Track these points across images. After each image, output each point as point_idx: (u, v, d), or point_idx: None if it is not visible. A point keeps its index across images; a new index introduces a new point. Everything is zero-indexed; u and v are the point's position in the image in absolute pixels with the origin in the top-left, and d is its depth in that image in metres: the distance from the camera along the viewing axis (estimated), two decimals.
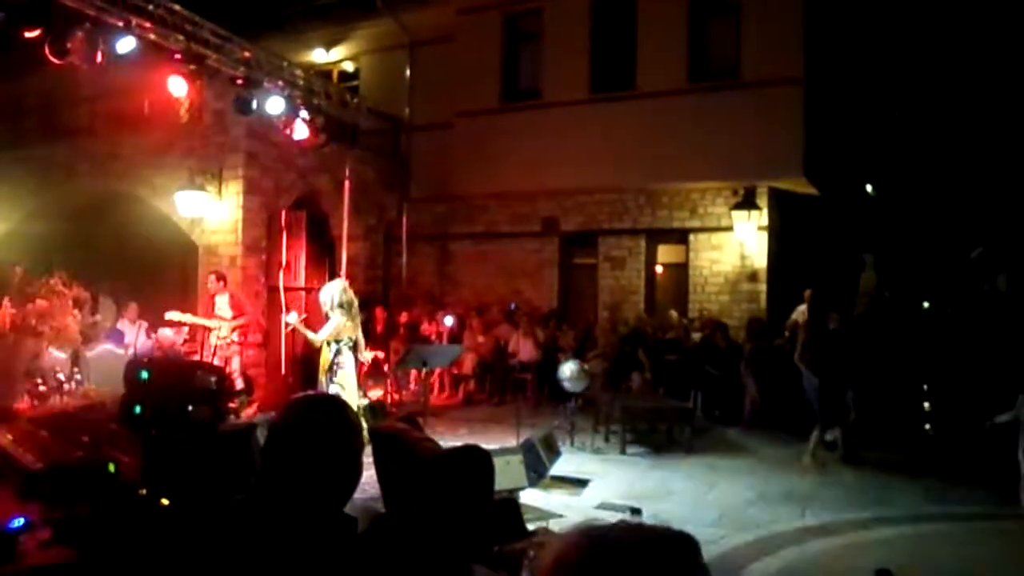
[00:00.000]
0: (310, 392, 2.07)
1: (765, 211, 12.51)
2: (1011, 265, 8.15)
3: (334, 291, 7.43)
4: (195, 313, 10.14)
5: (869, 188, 16.45)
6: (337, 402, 2.14)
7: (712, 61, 12.74)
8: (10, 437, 4.41)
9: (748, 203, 12.43)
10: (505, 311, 13.40)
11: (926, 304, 11.74)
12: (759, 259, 12.68)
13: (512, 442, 7.40)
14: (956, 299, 8.49)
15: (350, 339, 7.38)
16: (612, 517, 5.43)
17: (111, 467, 3.63)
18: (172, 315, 9.46)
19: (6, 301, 8.41)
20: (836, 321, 8.61)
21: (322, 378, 7.38)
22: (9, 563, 3.12)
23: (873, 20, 14.38)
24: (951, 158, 15.46)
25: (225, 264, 11.17)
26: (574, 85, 13.40)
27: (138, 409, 3.48)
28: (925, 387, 8.79)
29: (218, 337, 9.59)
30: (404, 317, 13.03)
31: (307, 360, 12.01)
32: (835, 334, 8.43)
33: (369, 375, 11.47)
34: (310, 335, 7.45)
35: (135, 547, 3.29)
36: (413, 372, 11.53)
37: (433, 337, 12.53)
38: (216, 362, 8.91)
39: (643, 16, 13.02)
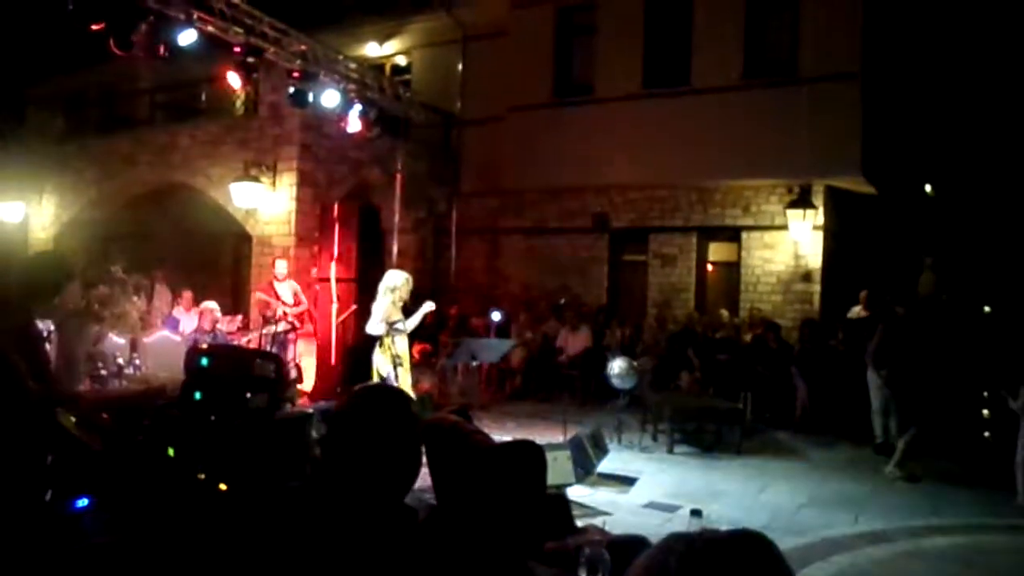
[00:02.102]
0: (373, 383, 2.08)
1: (821, 210, 12.28)
2: None
3: (396, 281, 7.54)
4: (249, 300, 10.44)
5: (928, 188, 16.03)
6: (400, 394, 2.15)
7: (768, 57, 12.52)
8: (73, 419, 4.52)
9: (803, 201, 12.21)
10: (553, 306, 13.37)
11: (987, 308, 11.41)
12: (814, 259, 12.45)
13: (559, 438, 7.38)
14: (1018, 303, 8.21)
15: (403, 321, 7.46)
16: (661, 516, 5.38)
17: (170, 451, 3.70)
18: (259, 295, 10.03)
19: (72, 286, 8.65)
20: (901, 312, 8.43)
21: (388, 368, 7.43)
22: (73, 541, 3.20)
23: (934, 13, 14.00)
24: (1013, 158, 14.99)
25: (278, 255, 11.35)
26: (627, 80, 13.29)
27: (198, 395, 3.55)
28: (985, 393, 8.53)
29: (286, 322, 9.87)
30: (454, 310, 13.08)
31: (357, 350, 12.15)
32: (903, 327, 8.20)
33: (417, 367, 11.56)
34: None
35: (193, 529, 3.35)
36: (461, 366, 11.57)
37: (481, 331, 12.56)
38: (271, 351, 9.10)
39: (699, 11, 12.85)
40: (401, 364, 7.32)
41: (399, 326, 7.35)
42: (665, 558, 0.98)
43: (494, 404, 11.08)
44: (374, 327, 7.40)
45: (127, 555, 3.34)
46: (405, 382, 7.27)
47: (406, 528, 1.94)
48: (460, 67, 15.31)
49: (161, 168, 13.39)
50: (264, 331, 9.68)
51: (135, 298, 10.00)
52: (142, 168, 13.72)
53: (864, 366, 8.65)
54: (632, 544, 3.21)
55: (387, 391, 2.22)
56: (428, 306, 7.74)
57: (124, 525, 3.48)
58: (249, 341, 9.52)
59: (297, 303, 10.24)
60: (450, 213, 14.90)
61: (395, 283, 7.46)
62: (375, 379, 7.28)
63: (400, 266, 12.29)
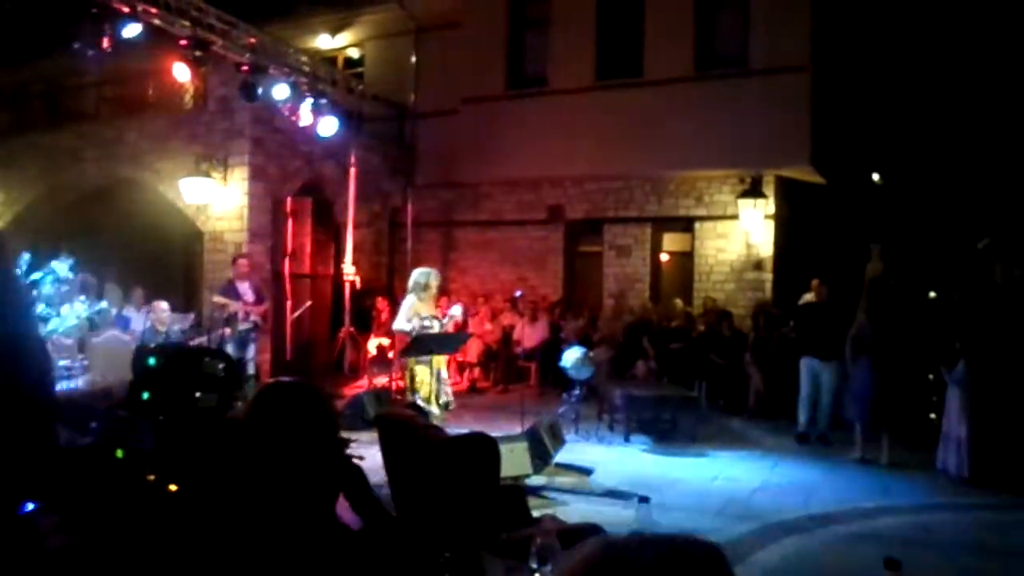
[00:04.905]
0: (281, 379, 2.10)
1: (771, 200, 12.48)
2: (1018, 256, 8.12)
3: (418, 276, 7.53)
4: (202, 297, 10.24)
5: (876, 177, 16.36)
6: (303, 387, 2.14)
7: (719, 49, 12.67)
8: None
9: (754, 191, 12.39)
10: (509, 299, 13.40)
11: (932, 294, 11.70)
12: (765, 248, 12.66)
13: (517, 429, 7.40)
14: (962, 289, 8.45)
15: (431, 318, 7.44)
16: (616, 505, 5.43)
17: (119, 453, 3.65)
18: (217, 298, 9.76)
19: None
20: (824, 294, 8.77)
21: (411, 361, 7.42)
22: (22, 545, 3.14)
23: (881, 7, 14.28)
24: (959, 148, 15.37)
25: (231, 251, 11.19)
26: (580, 72, 13.34)
27: (146, 395, 3.50)
28: (931, 377, 8.75)
29: (248, 321, 9.71)
30: None
31: (311, 347, 12.05)
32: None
33: (374, 363, 11.52)
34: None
35: (142, 532, 3.31)
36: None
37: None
38: (231, 348, 8.96)
39: (650, 3, 12.95)
40: (426, 363, 7.26)
41: (427, 323, 7.31)
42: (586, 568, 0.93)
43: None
44: (398, 324, 7.39)
45: (76, 558, 3.28)
46: (425, 380, 7.21)
47: (325, 515, 1.96)
48: (413, 59, 15.21)
49: (109, 164, 13.11)
50: (222, 330, 9.49)
51: (82, 297, 9.77)
52: (89, 164, 13.42)
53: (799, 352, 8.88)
54: (585, 532, 3.25)
55: (290, 386, 2.21)
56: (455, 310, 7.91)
57: (73, 528, 3.42)
58: (201, 343, 9.35)
59: (260, 302, 10.07)
60: (405, 206, 14.81)
61: (422, 280, 7.42)
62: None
63: (355, 260, 12.26)
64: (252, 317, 9.83)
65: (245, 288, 9.94)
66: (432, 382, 7.25)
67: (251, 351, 9.88)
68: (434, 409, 7.22)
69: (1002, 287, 7.75)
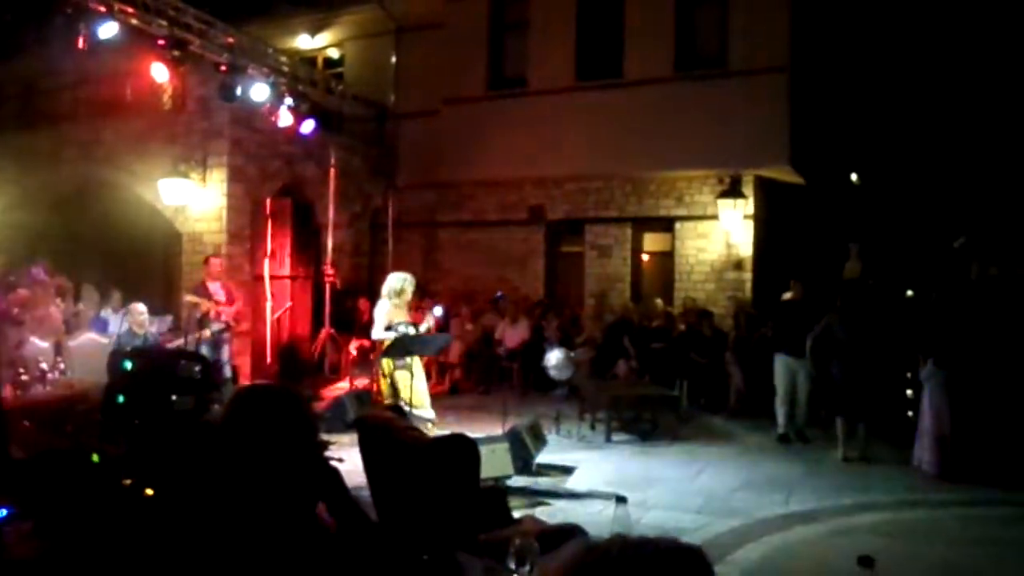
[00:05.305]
0: (258, 383, 2.10)
1: (751, 200, 12.54)
2: (994, 254, 8.23)
3: (393, 281, 7.52)
4: (180, 299, 10.15)
5: (854, 177, 16.50)
6: (278, 393, 2.12)
7: (699, 49, 12.72)
8: None
9: (734, 192, 12.45)
10: (491, 299, 13.39)
11: (910, 292, 11.80)
12: (745, 248, 12.73)
13: (498, 430, 7.40)
14: (939, 287, 8.56)
15: (407, 324, 7.44)
16: (597, 505, 5.43)
17: (95, 457, 3.60)
18: (190, 298, 9.62)
19: None
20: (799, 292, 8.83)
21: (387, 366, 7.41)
22: None
23: (859, 8, 14.40)
24: (936, 148, 15.53)
25: (209, 252, 11.11)
26: (561, 73, 13.36)
27: (121, 399, 3.46)
28: (908, 374, 8.83)
29: (219, 322, 9.61)
30: None
31: (292, 349, 11.98)
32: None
33: (355, 364, 11.48)
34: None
35: (118, 537, 3.27)
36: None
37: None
38: (205, 350, 8.87)
39: (630, 4, 12.99)
40: (406, 368, 7.24)
41: (401, 328, 7.29)
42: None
43: (434, 399, 11.01)
44: (377, 332, 7.36)
45: (51, 565, 3.24)
46: (405, 384, 7.19)
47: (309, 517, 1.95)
48: (393, 60, 15.17)
49: (86, 165, 12.96)
50: (198, 334, 9.39)
51: (58, 300, 9.67)
52: (66, 165, 13.25)
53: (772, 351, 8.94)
54: (566, 532, 3.26)
55: (266, 390, 2.20)
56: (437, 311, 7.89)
57: (47, 534, 3.37)
58: (180, 345, 9.26)
59: (231, 302, 9.99)
60: (386, 207, 14.75)
61: (397, 285, 7.40)
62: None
63: (336, 261, 12.20)
64: (223, 317, 9.71)
65: (216, 288, 9.82)
66: (413, 385, 7.25)
67: (225, 353, 9.76)
68: (427, 413, 7.25)
69: (978, 285, 7.85)
